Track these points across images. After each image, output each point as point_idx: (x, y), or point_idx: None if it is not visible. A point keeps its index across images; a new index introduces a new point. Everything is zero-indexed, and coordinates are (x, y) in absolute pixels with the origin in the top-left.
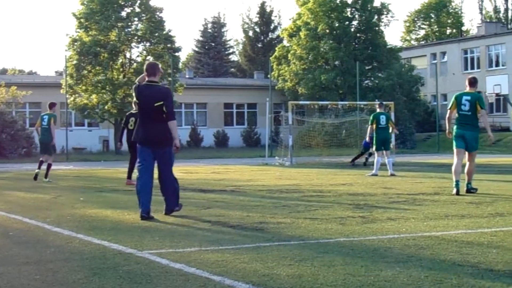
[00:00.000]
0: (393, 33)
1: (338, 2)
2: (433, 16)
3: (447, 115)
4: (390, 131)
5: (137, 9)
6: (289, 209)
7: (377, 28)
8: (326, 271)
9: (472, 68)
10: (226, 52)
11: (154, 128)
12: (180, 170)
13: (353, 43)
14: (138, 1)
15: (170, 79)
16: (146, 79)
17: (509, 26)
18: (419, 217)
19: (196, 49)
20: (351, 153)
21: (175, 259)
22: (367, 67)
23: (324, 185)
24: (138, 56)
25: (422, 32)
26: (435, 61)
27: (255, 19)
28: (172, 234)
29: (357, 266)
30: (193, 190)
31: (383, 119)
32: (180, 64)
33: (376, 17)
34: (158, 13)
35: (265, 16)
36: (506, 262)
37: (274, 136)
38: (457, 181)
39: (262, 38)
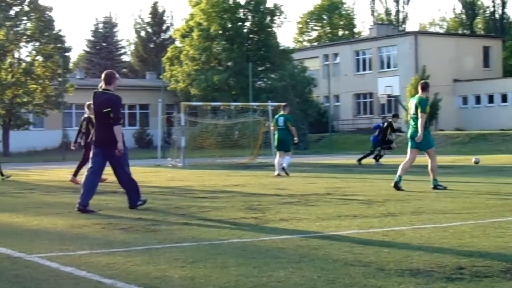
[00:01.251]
0: (286, 34)
1: (231, 3)
2: (325, 17)
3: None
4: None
5: (26, 8)
6: (181, 210)
7: (269, 29)
8: (219, 272)
9: (364, 69)
10: (118, 53)
11: (103, 132)
12: (69, 172)
13: (246, 44)
14: (27, 0)
15: (60, 79)
16: (103, 86)
17: (400, 28)
18: (312, 217)
19: (87, 49)
20: (244, 154)
21: (65, 262)
22: (260, 68)
23: (217, 186)
24: (27, 56)
25: (314, 34)
26: (327, 63)
27: (147, 19)
28: (62, 237)
29: (250, 267)
30: None
31: (281, 120)
32: (71, 65)
33: (268, 18)
34: (47, 12)
35: (157, 17)
36: (397, 262)
37: (167, 137)
38: (399, 176)
39: (154, 38)
